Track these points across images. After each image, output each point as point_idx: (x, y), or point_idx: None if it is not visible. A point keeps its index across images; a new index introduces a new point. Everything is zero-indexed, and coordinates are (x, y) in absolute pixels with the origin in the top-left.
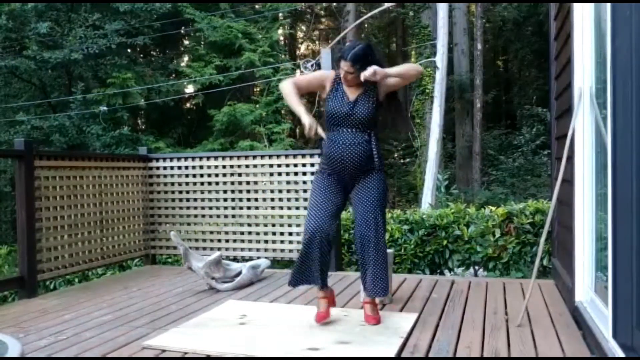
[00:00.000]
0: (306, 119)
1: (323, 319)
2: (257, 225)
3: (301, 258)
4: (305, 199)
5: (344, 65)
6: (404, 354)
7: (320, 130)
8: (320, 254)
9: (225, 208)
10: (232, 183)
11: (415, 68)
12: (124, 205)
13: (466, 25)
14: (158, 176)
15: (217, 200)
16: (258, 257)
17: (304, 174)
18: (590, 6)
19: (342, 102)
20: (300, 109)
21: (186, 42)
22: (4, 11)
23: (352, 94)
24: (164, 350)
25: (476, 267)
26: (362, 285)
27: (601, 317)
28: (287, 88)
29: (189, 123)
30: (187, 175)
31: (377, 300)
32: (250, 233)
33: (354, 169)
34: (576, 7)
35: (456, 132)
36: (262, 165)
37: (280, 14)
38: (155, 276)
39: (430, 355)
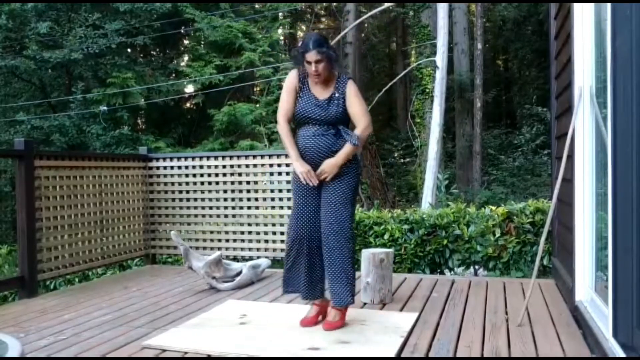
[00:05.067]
0: (300, 167)
1: (306, 325)
2: (257, 225)
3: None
4: None
5: (313, 56)
6: (404, 354)
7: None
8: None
9: (226, 208)
10: (232, 183)
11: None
12: (124, 205)
13: (466, 25)
14: (158, 176)
15: (217, 200)
16: (258, 257)
17: None
18: (591, 6)
19: (311, 102)
20: (293, 152)
21: (186, 42)
22: (4, 11)
23: (320, 94)
24: (164, 350)
25: (476, 267)
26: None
27: (601, 317)
28: (283, 130)
29: (189, 123)
30: (187, 175)
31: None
32: (250, 233)
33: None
34: (576, 6)
35: (456, 132)
36: (262, 165)
37: (280, 14)
38: (156, 276)
39: (431, 354)
